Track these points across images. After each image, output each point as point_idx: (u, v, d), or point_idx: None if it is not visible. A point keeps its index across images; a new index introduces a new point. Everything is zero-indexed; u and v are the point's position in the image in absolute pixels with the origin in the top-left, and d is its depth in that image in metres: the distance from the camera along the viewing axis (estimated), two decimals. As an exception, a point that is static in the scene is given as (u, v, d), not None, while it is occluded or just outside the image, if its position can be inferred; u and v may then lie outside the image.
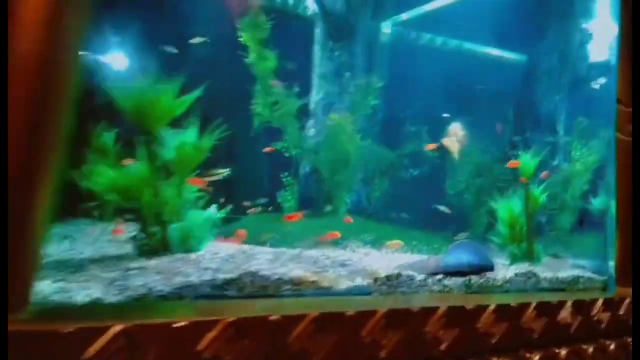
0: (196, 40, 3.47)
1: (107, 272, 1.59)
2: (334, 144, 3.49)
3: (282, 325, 1.36)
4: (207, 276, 1.55)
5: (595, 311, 2.30)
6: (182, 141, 1.87)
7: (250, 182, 4.12)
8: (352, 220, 3.24)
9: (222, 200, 3.20)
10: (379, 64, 3.98)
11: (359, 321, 1.50)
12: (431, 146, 3.67)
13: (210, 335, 1.25)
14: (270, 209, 3.62)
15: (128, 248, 1.87)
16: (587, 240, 3.54)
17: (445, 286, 2.06)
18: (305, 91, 3.79)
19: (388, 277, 1.90)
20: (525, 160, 2.87)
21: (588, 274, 2.68)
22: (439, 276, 2.06)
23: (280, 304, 1.61)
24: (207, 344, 1.25)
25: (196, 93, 1.86)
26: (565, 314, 2.14)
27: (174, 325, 1.22)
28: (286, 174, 3.81)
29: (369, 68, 3.86)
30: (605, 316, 2.33)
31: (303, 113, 3.72)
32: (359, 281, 1.85)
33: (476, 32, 4.41)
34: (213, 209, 3.15)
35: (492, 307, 1.84)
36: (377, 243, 2.90)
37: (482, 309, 1.84)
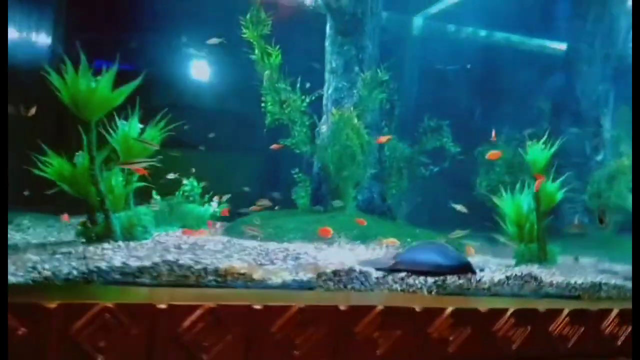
0: (213, 40, 3.50)
1: (36, 256, 1.59)
2: (339, 139, 3.35)
3: (172, 314, 1.27)
4: (121, 263, 1.50)
5: (607, 323, 1.97)
6: (124, 132, 1.85)
7: (261, 179, 4.08)
8: (365, 223, 3.05)
9: (223, 196, 3.21)
10: (391, 57, 3.78)
11: (268, 316, 1.37)
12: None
13: (84, 318, 1.19)
14: (276, 208, 3.55)
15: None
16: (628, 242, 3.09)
17: (410, 285, 1.85)
18: (314, 87, 3.69)
19: (335, 273, 1.74)
20: (534, 153, 2.54)
21: (616, 281, 2.31)
22: (402, 274, 1.86)
23: (202, 293, 1.51)
24: (80, 327, 1.19)
25: (134, 84, 1.83)
26: (560, 324, 1.86)
27: (46, 305, 1.18)
28: (297, 170, 3.73)
29: (378, 61, 3.68)
30: (622, 330, 1.99)
31: (311, 109, 3.62)
32: (301, 276, 1.71)
33: (503, 20, 4.08)
34: (214, 204, 3.15)
35: (448, 310, 1.62)
36: (369, 240, 2.73)
37: (438, 312, 1.63)
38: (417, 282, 1.87)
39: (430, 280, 1.89)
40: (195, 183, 3.17)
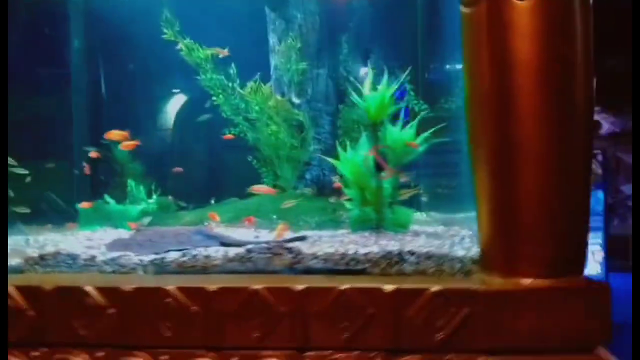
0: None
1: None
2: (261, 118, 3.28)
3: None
4: None
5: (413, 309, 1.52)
6: None
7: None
8: (216, 217, 2.98)
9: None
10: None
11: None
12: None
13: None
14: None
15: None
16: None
17: (122, 265, 1.80)
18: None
19: (42, 257, 1.82)
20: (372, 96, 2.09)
21: (434, 249, 1.73)
22: (114, 254, 1.81)
23: None
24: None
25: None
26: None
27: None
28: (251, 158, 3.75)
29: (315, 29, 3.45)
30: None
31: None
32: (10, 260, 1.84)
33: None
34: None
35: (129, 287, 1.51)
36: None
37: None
38: (130, 262, 1.80)
39: (146, 259, 1.79)
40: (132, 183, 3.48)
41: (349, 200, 2.21)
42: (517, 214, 1.49)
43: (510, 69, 1.51)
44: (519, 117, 1.50)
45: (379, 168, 2.07)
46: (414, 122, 2.18)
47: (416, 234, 2.07)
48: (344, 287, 1.46)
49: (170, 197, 3.64)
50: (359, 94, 2.22)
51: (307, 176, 3.51)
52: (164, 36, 3.62)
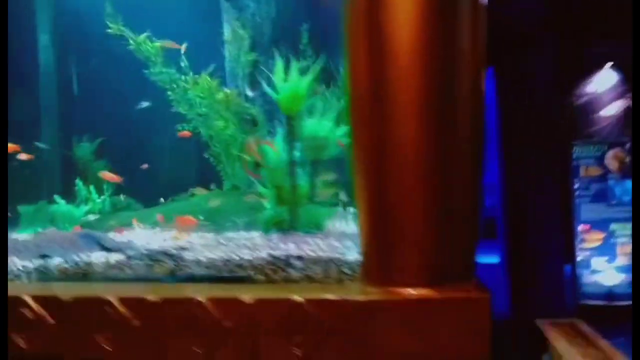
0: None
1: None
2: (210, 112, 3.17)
3: None
4: None
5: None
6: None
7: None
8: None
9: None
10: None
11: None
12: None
13: None
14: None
15: None
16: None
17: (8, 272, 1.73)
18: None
19: None
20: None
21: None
22: None
23: None
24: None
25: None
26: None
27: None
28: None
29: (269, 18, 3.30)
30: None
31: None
32: None
33: None
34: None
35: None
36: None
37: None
38: (15, 268, 1.73)
39: (31, 265, 1.72)
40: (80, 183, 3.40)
41: (264, 199, 2.10)
42: (392, 217, 1.36)
43: (388, 59, 1.37)
44: (396, 114, 1.35)
45: (257, 164, 1.96)
46: (333, 115, 2.05)
47: (327, 235, 1.95)
48: (201, 298, 1.37)
49: (122, 196, 3.59)
50: (272, 85, 2.09)
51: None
52: (109, 30, 3.54)
